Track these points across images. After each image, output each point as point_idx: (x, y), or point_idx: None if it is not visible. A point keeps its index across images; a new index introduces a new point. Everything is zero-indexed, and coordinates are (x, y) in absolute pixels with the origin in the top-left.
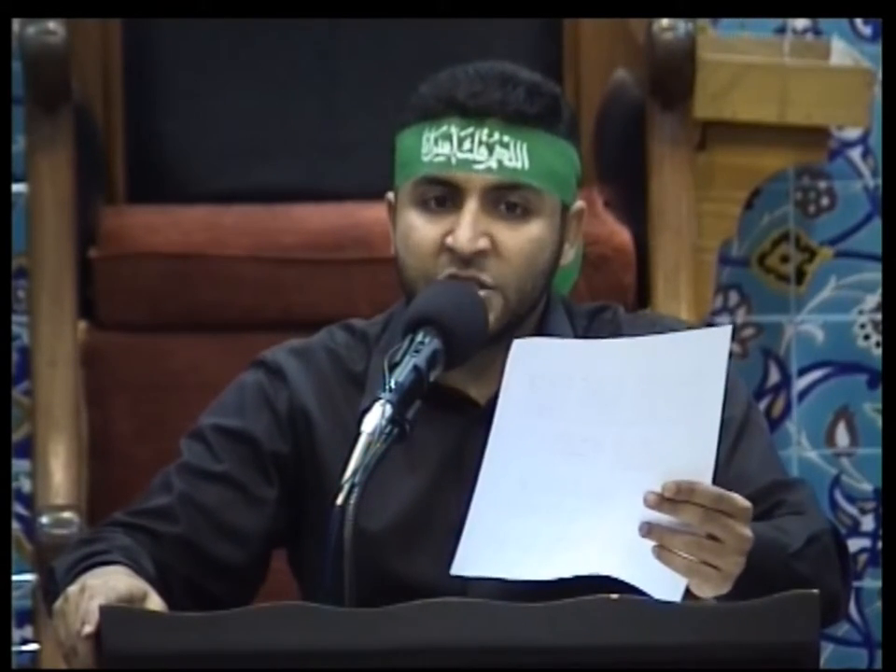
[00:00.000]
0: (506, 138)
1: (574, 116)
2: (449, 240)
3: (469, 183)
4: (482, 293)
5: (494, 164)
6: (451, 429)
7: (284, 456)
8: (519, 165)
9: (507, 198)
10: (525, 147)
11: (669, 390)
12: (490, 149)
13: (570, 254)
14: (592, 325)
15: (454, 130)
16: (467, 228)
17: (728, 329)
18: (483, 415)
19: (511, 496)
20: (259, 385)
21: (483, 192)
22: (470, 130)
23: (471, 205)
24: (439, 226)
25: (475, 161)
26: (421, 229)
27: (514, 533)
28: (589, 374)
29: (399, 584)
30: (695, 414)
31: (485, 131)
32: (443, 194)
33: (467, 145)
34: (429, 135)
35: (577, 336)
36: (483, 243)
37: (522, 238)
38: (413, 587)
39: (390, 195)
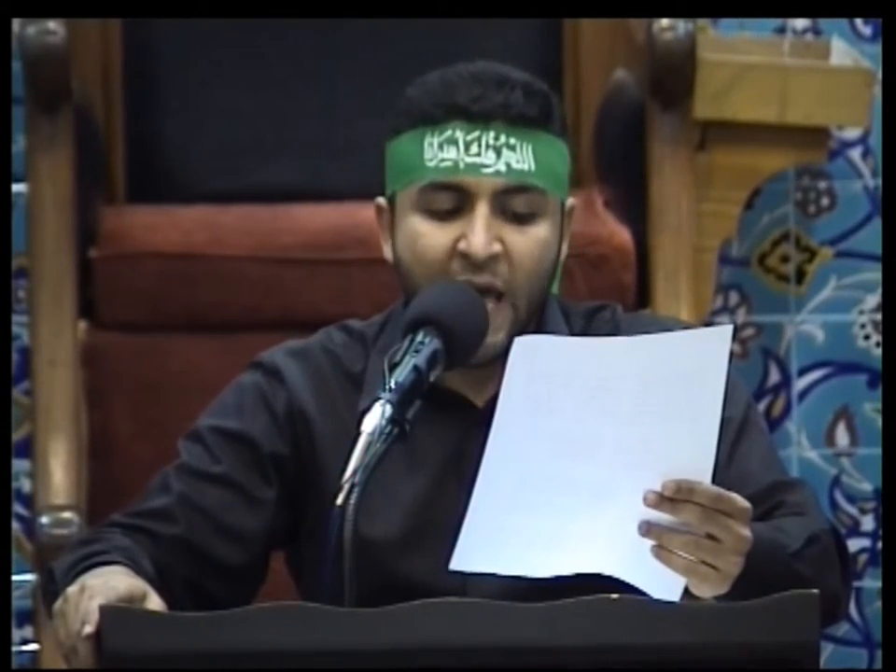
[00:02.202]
0: (512, 140)
1: (564, 112)
2: (462, 245)
3: (479, 187)
4: (490, 306)
5: (503, 167)
6: (450, 432)
7: (282, 457)
8: (526, 167)
9: (515, 201)
10: (530, 148)
11: (669, 389)
12: (497, 152)
13: (565, 251)
14: (590, 324)
15: (459, 134)
16: (481, 233)
17: (729, 329)
18: (483, 418)
19: (510, 493)
20: (257, 387)
21: (492, 196)
22: (476, 134)
23: (482, 209)
24: (448, 232)
25: (484, 165)
26: (430, 235)
27: (513, 530)
28: (589, 372)
29: (400, 586)
30: (695, 414)
31: (491, 134)
32: (453, 200)
33: (474, 149)
34: (432, 140)
35: (573, 335)
36: (496, 247)
37: (530, 241)
38: (414, 589)
39: (380, 200)
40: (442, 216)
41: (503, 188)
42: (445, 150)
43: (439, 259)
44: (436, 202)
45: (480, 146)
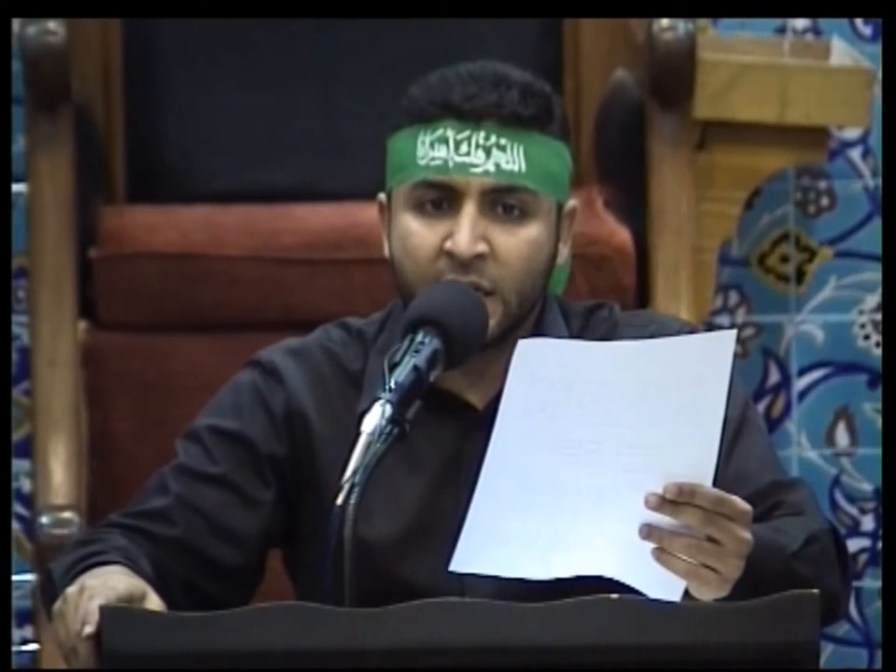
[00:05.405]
0: (503, 141)
1: (566, 114)
2: (448, 244)
3: (467, 186)
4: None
5: (491, 167)
6: (449, 434)
7: (280, 458)
8: (516, 168)
9: (504, 200)
10: (521, 149)
11: (672, 393)
12: (487, 152)
13: (565, 253)
14: (588, 323)
15: (450, 133)
16: (465, 232)
17: (732, 334)
18: (482, 420)
19: (511, 495)
20: (254, 386)
21: (480, 195)
22: (467, 133)
23: (469, 209)
24: (436, 230)
25: (473, 165)
26: (419, 233)
27: (514, 532)
28: (592, 376)
29: (398, 589)
30: (698, 418)
31: (482, 133)
32: (440, 197)
33: (464, 148)
34: (425, 138)
35: (572, 335)
36: (481, 247)
37: (519, 241)
38: (412, 591)
39: (382, 196)
40: (432, 214)
41: (491, 187)
42: (436, 149)
43: (427, 257)
44: (425, 200)
45: (470, 145)
